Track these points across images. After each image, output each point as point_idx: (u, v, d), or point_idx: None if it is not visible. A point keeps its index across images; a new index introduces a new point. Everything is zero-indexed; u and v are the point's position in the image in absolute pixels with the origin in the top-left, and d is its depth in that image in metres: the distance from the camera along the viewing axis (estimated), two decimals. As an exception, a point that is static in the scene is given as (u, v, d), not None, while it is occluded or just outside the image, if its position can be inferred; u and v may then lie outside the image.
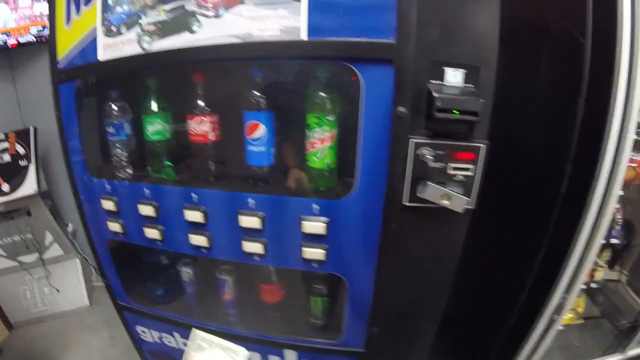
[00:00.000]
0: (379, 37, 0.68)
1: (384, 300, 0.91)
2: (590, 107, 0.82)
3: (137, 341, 1.31)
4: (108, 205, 0.98)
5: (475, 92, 0.75)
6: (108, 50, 0.88)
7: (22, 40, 2.05)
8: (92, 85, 1.00)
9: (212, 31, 0.77)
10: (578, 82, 0.82)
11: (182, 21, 0.78)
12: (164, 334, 1.21)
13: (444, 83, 0.76)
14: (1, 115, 2.29)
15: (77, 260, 2.36)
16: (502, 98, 0.80)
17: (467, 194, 0.79)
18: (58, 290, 2.29)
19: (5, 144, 2.05)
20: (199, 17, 0.77)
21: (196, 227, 0.90)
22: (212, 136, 0.89)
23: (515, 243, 1.08)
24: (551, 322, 1.01)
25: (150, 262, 1.21)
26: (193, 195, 0.87)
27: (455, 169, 0.78)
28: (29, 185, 1.99)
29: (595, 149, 0.83)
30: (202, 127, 0.87)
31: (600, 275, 1.30)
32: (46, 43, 2.03)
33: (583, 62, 0.81)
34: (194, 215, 0.87)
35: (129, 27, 0.84)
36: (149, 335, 1.25)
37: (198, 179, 0.92)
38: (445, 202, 0.78)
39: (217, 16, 0.76)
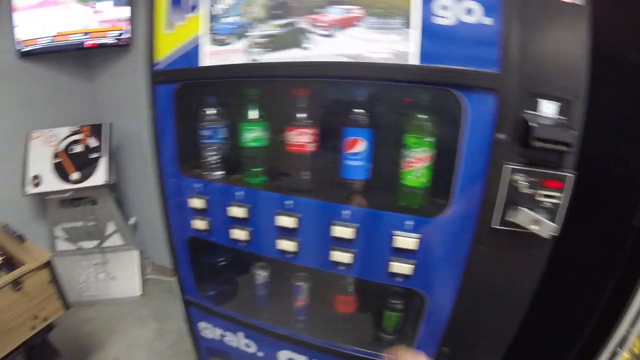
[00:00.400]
0: (484, 67, 0.71)
1: (460, 320, 0.92)
2: None
3: (195, 337, 1.35)
4: (197, 203, 1.03)
5: (567, 124, 0.77)
6: (213, 57, 0.93)
7: (101, 42, 2.16)
8: (190, 88, 1.04)
9: (323, 49, 0.81)
10: None
11: (293, 37, 0.82)
12: (227, 333, 1.24)
13: (538, 114, 0.78)
14: (79, 110, 2.43)
15: (135, 252, 2.46)
16: (587, 129, 0.82)
17: (553, 221, 0.80)
18: (113, 278, 2.38)
19: (79, 136, 2.17)
20: (310, 34, 0.81)
21: (286, 233, 0.93)
22: (310, 147, 0.92)
23: (588, 272, 1.08)
24: (613, 355, 1.00)
25: (225, 262, 1.24)
26: (287, 201, 0.91)
27: (544, 195, 0.79)
28: (99, 176, 2.10)
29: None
30: (301, 138, 0.91)
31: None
32: (123, 46, 2.18)
33: None
34: (286, 221, 0.91)
35: (238, 37, 0.89)
36: (210, 332, 1.28)
37: (292, 187, 0.95)
38: (534, 227, 0.79)
39: (329, 35, 0.80)
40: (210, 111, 1.02)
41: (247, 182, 1.01)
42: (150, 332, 2.21)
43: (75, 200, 2.27)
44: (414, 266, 0.86)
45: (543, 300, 1.09)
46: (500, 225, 0.81)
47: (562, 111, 0.76)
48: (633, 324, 0.95)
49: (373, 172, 0.91)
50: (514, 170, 0.78)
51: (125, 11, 2.15)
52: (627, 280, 0.94)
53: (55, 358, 1.80)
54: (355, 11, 0.78)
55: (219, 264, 1.24)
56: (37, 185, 2.13)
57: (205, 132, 1.03)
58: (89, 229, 2.32)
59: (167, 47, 1.00)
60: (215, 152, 1.04)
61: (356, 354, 1.05)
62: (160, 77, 1.03)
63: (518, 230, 0.80)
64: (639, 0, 0.91)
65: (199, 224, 1.05)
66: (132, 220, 2.59)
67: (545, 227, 0.78)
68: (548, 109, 0.78)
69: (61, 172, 2.15)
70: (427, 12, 0.72)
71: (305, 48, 0.81)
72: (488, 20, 0.70)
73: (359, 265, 0.90)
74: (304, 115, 0.92)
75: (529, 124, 0.74)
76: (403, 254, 0.86)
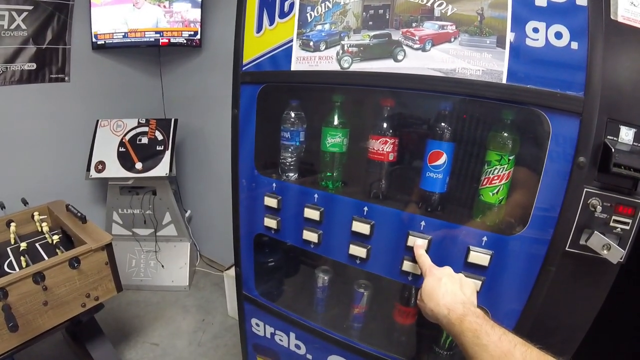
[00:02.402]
0: (570, 90, 0.72)
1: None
2: None
3: (245, 332, 1.37)
4: (271, 202, 1.07)
5: None
6: (302, 62, 0.96)
7: (173, 40, 2.29)
8: (274, 90, 1.09)
9: (415, 62, 0.83)
10: None
11: (386, 48, 0.85)
12: (278, 332, 1.26)
13: (617, 139, 0.77)
14: (146, 104, 2.59)
15: (188, 244, 2.56)
16: None
17: (622, 247, 0.79)
18: (163, 266, 2.48)
19: (146, 128, 2.30)
20: (404, 47, 0.84)
21: (359, 239, 0.95)
22: (391, 157, 0.95)
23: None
24: None
25: (286, 262, 1.27)
26: (365, 208, 0.93)
27: (615, 221, 0.78)
28: (162, 169, 2.22)
29: None
30: (384, 147, 0.93)
31: None
32: (194, 46, 2.31)
33: None
34: (361, 227, 0.92)
35: (329, 45, 0.93)
36: (261, 329, 1.31)
37: (369, 194, 0.98)
38: (605, 252, 0.78)
39: (423, 49, 0.82)
40: (292, 114, 1.06)
41: (322, 185, 1.04)
42: (193, 323, 2.28)
43: (135, 188, 2.40)
44: (482, 282, 0.86)
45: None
46: (572, 248, 0.81)
47: (638, 138, 0.76)
48: None
49: (451, 185, 0.92)
50: (591, 194, 0.78)
51: (198, 13, 2.27)
52: None
53: (97, 336, 1.87)
54: (450, 27, 0.80)
55: (279, 263, 1.27)
56: (100, 170, 2.28)
57: (285, 134, 1.07)
58: (145, 217, 2.44)
59: (256, 49, 1.04)
60: (292, 154, 1.08)
61: (409, 366, 1.05)
62: (246, 78, 1.07)
63: (587, 254, 0.79)
64: None
65: (270, 222, 1.08)
66: (187, 213, 2.70)
67: (614, 253, 0.77)
68: (627, 135, 0.78)
69: (125, 160, 2.28)
70: (519, 33, 0.74)
71: (398, 60, 0.84)
72: (575, 45, 0.70)
73: (429, 276, 0.90)
74: (388, 125, 0.94)
75: (611, 149, 0.74)
76: (474, 269, 0.86)
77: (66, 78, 2.27)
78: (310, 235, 1.01)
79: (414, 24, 0.82)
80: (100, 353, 1.83)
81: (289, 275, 1.32)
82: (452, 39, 0.80)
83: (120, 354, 1.99)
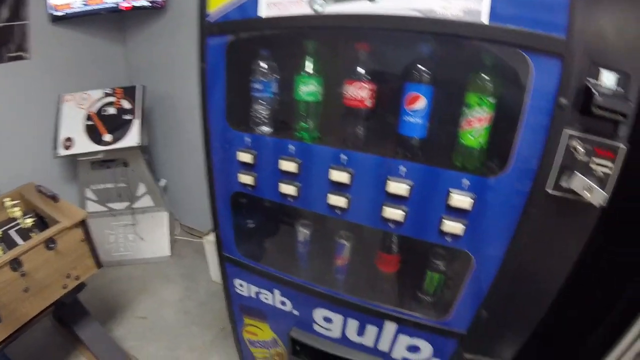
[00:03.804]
0: (551, 31, 0.69)
1: (502, 284, 0.91)
2: None
3: (230, 294, 1.36)
4: (245, 157, 1.02)
5: (625, 96, 0.75)
6: (272, 8, 0.89)
7: (136, 4, 2.14)
8: (243, 41, 1.02)
9: (392, 2, 0.78)
10: None
11: None
12: (263, 290, 1.25)
13: (599, 83, 0.76)
14: (110, 73, 2.45)
15: (165, 214, 2.50)
16: None
17: (604, 190, 0.79)
18: (142, 239, 2.43)
19: (112, 98, 2.18)
20: (379, -14, 0.78)
21: (338, 188, 0.92)
22: (368, 103, 0.91)
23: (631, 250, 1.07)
24: None
25: (265, 219, 1.24)
26: (342, 156, 0.89)
27: (597, 164, 0.78)
28: (132, 138, 2.12)
29: None
30: (360, 92, 0.89)
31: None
32: (158, 8, 2.16)
33: None
34: (339, 176, 0.90)
35: None
36: (245, 289, 1.29)
37: (346, 142, 0.94)
38: (587, 194, 0.78)
39: (399, -12, 0.77)
40: (264, 64, 1.00)
41: (298, 137, 0.99)
42: (178, 291, 2.26)
43: (106, 162, 2.30)
44: (465, 226, 0.85)
45: (586, 274, 1.08)
46: (554, 190, 0.80)
47: (620, 83, 0.75)
48: None
49: (430, 130, 0.89)
50: (573, 136, 0.77)
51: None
52: None
53: (83, 317, 1.83)
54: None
55: (259, 222, 1.24)
56: (69, 147, 2.16)
57: (257, 86, 1.01)
58: (119, 191, 2.35)
59: None
60: (266, 107, 1.02)
61: (393, 313, 1.05)
62: (212, 29, 1.00)
63: (569, 197, 0.79)
64: None
65: (246, 178, 1.04)
66: (162, 183, 2.63)
67: (596, 195, 0.77)
68: (608, 79, 0.77)
69: (93, 134, 2.17)
70: None
71: (374, 1, 0.79)
72: None
73: (410, 223, 0.89)
74: (364, 69, 0.89)
75: (592, 91, 0.73)
76: (456, 213, 0.85)
77: (26, 55, 2.10)
78: (287, 189, 0.98)
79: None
80: (88, 333, 1.80)
81: (270, 233, 1.29)
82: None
83: (109, 332, 1.97)
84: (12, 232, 1.64)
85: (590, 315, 1.19)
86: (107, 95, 2.21)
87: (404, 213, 0.88)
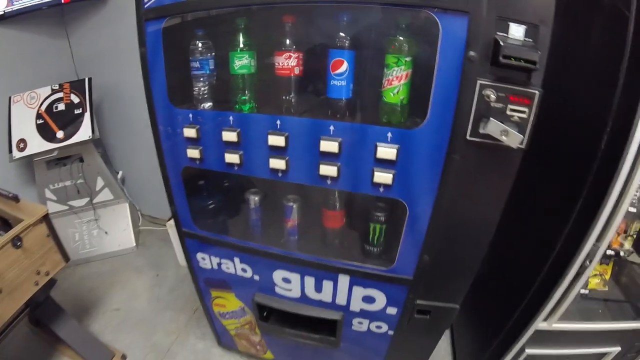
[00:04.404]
0: None
1: (438, 228, 1.01)
2: (631, 72, 0.91)
3: (194, 269, 1.43)
4: (190, 133, 1.08)
5: (534, 46, 0.84)
6: None
7: (75, -4, 2.11)
8: (178, 23, 1.07)
9: None
10: (622, 49, 0.91)
11: None
12: (224, 260, 1.32)
13: (507, 36, 0.85)
14: (56, 69, 2.41)
15: (127, 205, 2.51)
16: (556, 55, 0.89)
17: (521, 133, 0.88)
18: (106, 233, 2.44)
19: (60, 94, 2.16)
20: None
21: (277, 152, 1.00)
22: (296, 71, 0.98)
23: (557, 191, 1.19)
24: (582, 268, 1.10)
25: (217, 191, 1.31)
26: (277, 122, 0.97)
27: (512, 110, 0.87)
28: (84, 132, 2.11)
29: (633, 111, 0.92)
30: (289, 62, 0.96)
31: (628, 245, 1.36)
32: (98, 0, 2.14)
33: (627, 32, 0.91)
34: (276, 140, 0.97)
35: None
36: (208, 262, 1.36)
37: (280, 109, 1.01)
38: (503, 138, 0.86)
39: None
40: (199, 43, 1.05)
41: (237, 109, 1.06)
42: (148, 280, 2.30)
43: (61, 159, 2.28)
44: (393, 176, 0.94)
45: (517, 219, 1.19)
46: (472, 137, 0.89)
47: (529, 34, 0.82)
48: (599, 238, 1.06)
49: (355, 91, 0.97)
50: (485, 86, 0.84)
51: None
52: (595, 198, 1.04)
53: (60, 315, 1.84)
54: None
55: (211, 195, 1.30)
56: (23, 149, 2.13)
57: (195, 64, 1.07)
58: (78, 187, 2.35)
59: None
60: (204, 83, 1.08)
61: (344, 267, 1.15)
62: (149, 15, 1.04)
63: (490, 142, 0.88)
64: None
65: (193, 152, 1.10)
66: (119, 174, 2.62)
67: (513, 138, 0.85)
68: (517, 31, 0.84)
69: (46, 132, 2.15)
70: None
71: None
72: None
73: (345, 177, 0.98)
74: (291, 40, 0.96)
75: (499, 43, 0.81)
76: (385, 164, 0.93)
77: None
78: (231, 158, 1.05)
79: None
80: (66, 331, 1.82)
81: (223, 205, 1.36)
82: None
83: (86, 328, 1.99)
84: None
85: (528, 256, 1.32)
86: (55, 91, 2.18)
87: (337, 168, 0.96)
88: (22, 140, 2.13)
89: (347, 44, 0.92)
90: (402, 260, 1.09)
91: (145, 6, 1.04)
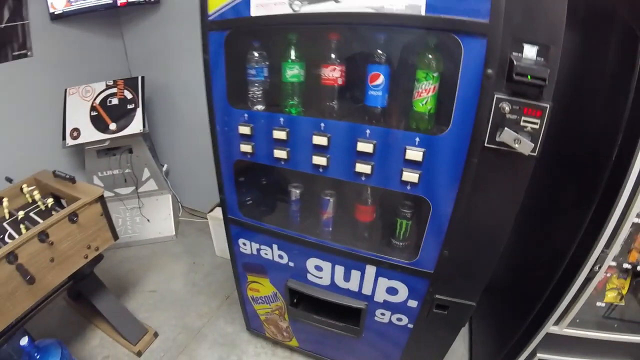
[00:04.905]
0: (477, 17, 0.96)
1: (457, 226, 1.21)
2: None
3: (234, 254, 1.68)
4: (244, 130, 1.32)
5: (544, 64, 1.00)
6: (260, 8, 1.18)
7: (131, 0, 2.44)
8: (238, 35, 1.31)
9: (352, 2, 1.05)
10: (632, 67, 1.09)
11: None
12: (263, 246, 1.56)
13: (521, 55, 1.03)
14: (110, 66, 2.76)
15: (169, 196, 2.83)
16: (569, 72, 1.07)
17: (533, 142, 1.07)
18: (148, 220, 2.76)
19: (114, 90, 2.48)
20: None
21: (319, 150, 1.23)
22: (340, 81, 1.21)
23: (570, 200, 1.36)
24: (592, 273, 1.26)
25: (261, 183, 1.55)
26: (322, 124, 1.20)
27: (526, 121, 1.05)
28: (136, 126, 2.43)
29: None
30: (333, 73, 1.19)
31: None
32: (153, 3, 2.46)
33: (637, 50, 1.08)
34: (320, 140, 1.20)
35: None
36: (248, 247, 1.61)
37: (324, 113, 1.25)
38: (516, 145, 1.05)
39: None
40: (256, 53, 1.30)
41: (287, 111, 1.30)
42: (184, 266, 2.59)
43: (111, 149, 2.62)
44: (419, 175, 1.15)
45: (532, 223, 1.36)
46: (489, 143, 1.08)
47: (541, 54, 0.99)
48: (608, 244, 1.22)
49: (389, 100, 1.19)
50: (501, 99, 1.03)
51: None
52: (605, 206, 1.20)
53: (101, 290, 2.13)
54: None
55: (257, 186, 1.55)
56: (76, 137, 2.47)
57: (251, 71, 1.31)
58: (125, 176, 2.67)
59: (219, 1, 1.24)
60: (258, 88, 1.32)
61: (372, 257, 1.37)
62: (213, 26, 1.28)
63: (505, 149, 1.07)
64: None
65: (246, 147, 1.35)
66: (164, 167, 2.95)
67: (525, 146, 1.03)
68: (530, 51, 1.03)
69: (99, 123, 2.48)
70: None
71: (337, 1, 1.08)
72: None
73: (377, 175, 1.20)
74: (335, 55, 1.20)
75: (513, 62, 1.00)
76: (412, 165, 1.14)
77: (29, 53, 2.37)
78: (280, 153, 1.29)
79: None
80: (105, 305, 2.10)
81: (267, 195, 1.60)
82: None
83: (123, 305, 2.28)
84: (32, 215, 1.93)
85: (542, 263, 1.49)
86: (109, 87, 2.52)
87: (371, 167, 1.18)
88: (76, 130, 2.47)
89: (383, 60, 1.15)
90: (425, 254, 1.29)
91: (210, 18, 1.27)
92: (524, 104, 1.02)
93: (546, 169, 1.13)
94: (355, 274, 1.44)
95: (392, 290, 1.42)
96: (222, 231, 2.45)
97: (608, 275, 1.31)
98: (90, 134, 2.47)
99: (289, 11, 1.14)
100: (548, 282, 1.38)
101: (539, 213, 1.54)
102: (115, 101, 2.51)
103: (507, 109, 1.03)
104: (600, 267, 1.23)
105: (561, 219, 1.43)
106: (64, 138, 2.46)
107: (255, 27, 1.25)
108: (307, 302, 1.66)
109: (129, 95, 2.51)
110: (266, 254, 1.58)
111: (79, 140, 2.46)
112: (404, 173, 1.16)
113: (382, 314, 1.51)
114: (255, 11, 1.19)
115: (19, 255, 1.54)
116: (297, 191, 1.47)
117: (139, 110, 2.48)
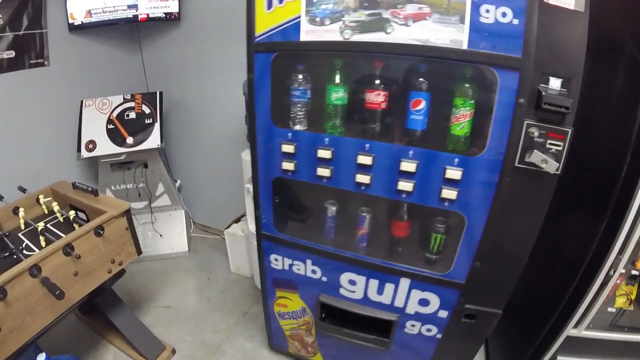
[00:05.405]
0: (511, 52, 1.15)
1: (489, 238, 1.38)
2: None
3: (265, 269, 1.82)
4: (288, 148, 1.48)
5: (567, 94, 1.19)
6: (310, 34, 1.35)
7: (152, 15, 2.60)
8: (283, 58, 1.44)
9: (400, 34, 1.24)
10: (637, 93, 1.30)
11: (378, 24, 1.26)
12: (296, 262, 1.72)
13: (548, 87, 1.22)
14: (129, 79, 2.92)
15: (183, 211, 2.95)
16: (584, 99, 1.27)
17: (557, 162, 1.25)
18: (161, 236, 2.87)
19: (132, 104, 2.63)
20: (392, 23, 1.26)
21: (363, 169, 1.40)
22: (383, 105, 1.39)
23: (586, 212, 1.55)
24: (607, 277, 1.45)
25: (298, 201, 1.70)
26: (366, 145, 1.37)
27: (551, 144, 1.24)
28: (153, 141, 2.58)
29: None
30: (378, 98, 1.37)
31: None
32: (172, 20, 2.63)
33: None
34: (365, 160, 1.37)
35: (332, 21, 1.31)
36: (280, 263, 1.76)
37: (367, 134, 1.42)
38: (544, 165, 1.24)
39: (406, 25, 1.24)
40: (300, 76, 1.46)
41: (329, 132, 1.46)
42: (199, 282, 2.71)
43: (126, 163, 2.75)
44: (457, 193, 1.32)
45: (551, 235, 1.54)
46: (519, 164, 1.26)
47: (564, 85, 1.18)
48: (621, 251, 1.40)
49: (429, 124, 1.36)
50: (530, 125, 1.22)
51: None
52: (617, 218, 1.39)
53: (117, 305, 2.20)
54: (425, 9, 1.22)
55: (293, 203, 1.70)
56: (92, 149, 2.61)
57: (296, 93, 1.47)
58: (139, 190, 2.80)
59: (267, 23, 1.38)
60: (301, 109, 1.49)
61: (407, 270, 1.53)
62: (259, 47, 1.42)
63: (533, 168, 1.25)
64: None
65: (288, 165, 1.50)
66: (177, 183, 3.08)
67: (551, 165, 1.22)
68: (554, 83, 1.21)
69: (115, 137, 2.62)
70: (475, 13, 1.16)
71: (387, 32, 1.26)
72: (516, 21, 1.12)
73: (417, 192, 1.37)
74: (380, 81, 1.37)
75: (542, 92, 1.19)
76: (451, 183, 1.32)
77: (46, 62, 2.51)
78: (323, 171, 1.45)
79: (399, 6, 1.23)
80: (122, 320, 2.17)
81: (302, 213, 1.76)
82: (427, 17, 1.21)
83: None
84: (50, 226, 1.99)
85: (561, 270, 1.66)
86: (126, 100, 2.67)
87: (413, 185, 1.35)
88: (92, 142, 2.61)
89: (425, 87, 1.33)
90: (458, 266, 1.46)
91: (256, 40, 1.43)
92: (550, 129, 1.21)
93: (562, 185, 1.31)
94: (389, 287, 1.59)
95: (424, 302, 1.58)
96: (238, 247, 2.62)
97: (618, 282, 1.49)
98: (106, 147, 2.60)
99: (339, 38, 1.31)
100: (565, 289, 1.57)
101: (555, 225, 1.72)
102: (132, 115, 2.66)
103: (536, 133, 1.22)
104: (614, 272, 1.42)
105: (577, 231, 1.61)
106: (79, 150, 2.59)
107: (305, 51, 1.41)
108: (336, 317, 1.81)
109: (147, 110, 2.66)
110: (298, 269, 1.72)
111: (95, 153, 2.60)
112: (444, 191, 1.33)
113: (413, 326, 1.66)
114: (305, 36, 1.35)
115: (42, 268, 1.58)
116: (333, 208, 1.63)
117: (157, 125, 2.63)
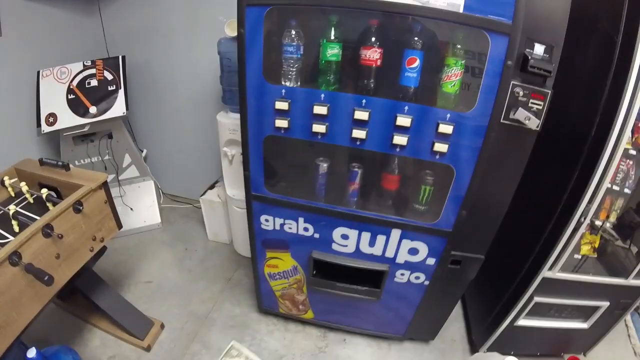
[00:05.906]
0: (503, 18, 1.30)
1: (474, 188, 1.57)
2: (616, 80, 1.49)
3: (254, 231, 1.94)
4: (281, 105, 1.57)
5: (549, 60, 1.38)
6: None
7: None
8: (276, 12, 1.50)
9: None
10: (609, 64, 1.51)
11: None
12: (287, 221, 1.85)
13: (533, 52, 1.39)
14: (86, 45, 2.84)
15: (152, 182, 2.96)
16: (563, 67, 1.46)
17: (538, 119, 1.44)
18: (132, 209, 2.89)
19: (93, 70, 2.58)
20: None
21: (359, 125, 1.53)
22: (378, 62, 1.51)
23: (559, 168, 1.78)
24: (579, 224, 1.69)
25: (290, 158, 1.82)
26: (363, 100, 1.50)
27: (533, 103, 1.43)
28: (118, 108, 2.56)
29: (614, 110, 1.49)
30: (374, 55, 1.49)
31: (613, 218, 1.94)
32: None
33: (614, 52, 1.50)
34: (361, 115, 1.50)
35: None
36: (271, 223, 1.88)
37: (362, 90, 1.54)
38: (527, 122, 1.43)
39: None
40: (293, 31, 1.54)
41: (324, 88, 1.57)
42: (177, 253, 2.78)
43: (89, 136, 2.69)
44: (448, 146, 1.49)
45: (527, 190, 1.76)
46: (505, 120, 1.45)
47: (547, 51, 1.37)
48: (590, 200, 1.63)
49: (422, 81, 1.50)
50: (515, 85, 1.40)
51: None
52: (587, 172, 1.61)
53: (100, 285, 2.18)
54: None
55: (283, 161, 1.81)
56: (52, 123, 2.50)
57: (289, 49, 1.55)
58: (105, 163, 2.77)
59: None
60: (294, 65, 1.58)
61: (398, 221, 1.71)
62: (251, 1, 1.45)
63: (516, 125, 1.44)
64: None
65: (281, 122, 1.60)
66: (143, 153, 3.07)
67: (532, 122, 1.42)
68: (539, 49, 1.39)
69: (77, 107, 2.55)
70: None
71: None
72: None
73: (411, 146, 1.52)
74: (376, 38, 1.49)
75: (528, 57, 1.36)
76: (442, 137, 1.48)
77: None
78: (319, 128, 1.57)
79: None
80: (107, 301, 2.15)
81: (293, 171, 1.87)
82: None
83: (121, 299, 2.37)
84: (19, 209, 1.86)
85: (536, 219, 1.90)
86: (87, 67, 2.60)
87: (407, 139, 1.50)
88: (52, 115, 2.52)
89: (419, 46, 1.46)
90: (446, 215, 1.65)
91: None
92: (532, 90, 1.40)
93: (540, 141, 1.51)
94: (380, 239, 1.77)
95: (413, 251, 1.78)
96: (214, 214, 2.71)
97: (583, 231, 1.73)
98: (68, 119, 2.52)
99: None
100: (540, 235, 1.82)
101: (533, 180, 1.95)
102: (94, 83, 2.60)
103: (520, 93, 1.41)
104: (585, 218, 1.65)
105: (552, 184, 1.84)
106: (38, 125, 2.48)
107: (302, 5, 1.50)
108: (327, 272, 1.96)
109: (109, 76, 2.61)
110: (290, 228, 1.85)
111: (57, 126, 2.50)
112: (436, 144, 1.50)
113: (402, 274, 1.86)
114: (299, -12, 1.44)
115: (22, 254, 1.49)
116: (325, 165, 1.76)
117: (121, 92, 2.60)
